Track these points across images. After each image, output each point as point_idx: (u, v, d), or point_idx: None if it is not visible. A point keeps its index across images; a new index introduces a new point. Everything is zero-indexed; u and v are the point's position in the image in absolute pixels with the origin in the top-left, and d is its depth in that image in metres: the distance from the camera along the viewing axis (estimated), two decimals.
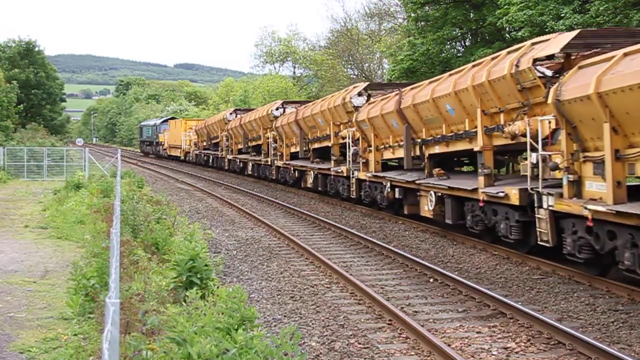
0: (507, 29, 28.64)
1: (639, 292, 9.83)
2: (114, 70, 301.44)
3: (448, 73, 16.57)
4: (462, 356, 7.53)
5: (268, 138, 31.63)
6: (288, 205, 22.87)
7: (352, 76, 57.93)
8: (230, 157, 39.36)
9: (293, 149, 28.52)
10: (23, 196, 24.97)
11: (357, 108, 21.41)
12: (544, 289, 10.73)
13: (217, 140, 42.60)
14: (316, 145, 26.15)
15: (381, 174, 19.16)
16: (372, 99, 21.18)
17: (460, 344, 8.09)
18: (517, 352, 7.76)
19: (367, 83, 24.00)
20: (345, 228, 17.06)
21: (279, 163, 30.17)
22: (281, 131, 29.51)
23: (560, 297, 10.17)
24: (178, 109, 78.86)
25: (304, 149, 27.12)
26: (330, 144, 24.07)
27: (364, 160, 20.58)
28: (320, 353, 7.84)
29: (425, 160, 17.14)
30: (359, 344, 8.15)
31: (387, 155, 19.72)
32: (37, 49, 59.68)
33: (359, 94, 21.96)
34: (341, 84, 56.24)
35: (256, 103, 59.48)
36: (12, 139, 40.53)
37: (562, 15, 22.46)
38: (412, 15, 33.87)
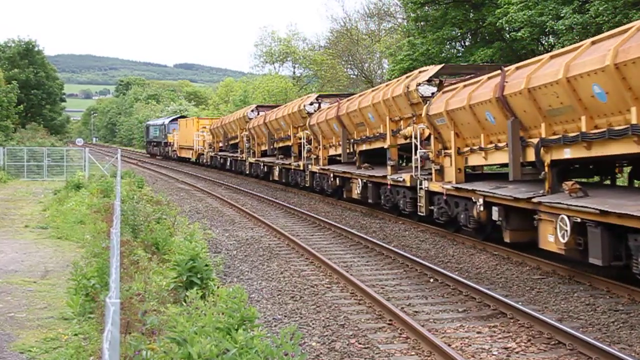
0: (507, 29, 28.63)
1: (639, 292, 9.83)
2: (113, 70, 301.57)
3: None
4: (463, 356, 7.52)
5: (300, 138, 26.97)
6: (288, 205, 22.87)
7: (352, 76, 57.94)
8: (252, 160, 34.66)
9: (332, 151, 24.40)
10: (23, 196, 24.97)
11: (425, 99, 16.67)
12: (544, 289, 10.73)
13: (236, 140, 38.51)
14: (364, 147, 21.63)
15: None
16: (445, 88, 16.44)
17: (461, 344, 8.09)
18: (517, 352, 7.76)
19: (440, 66, 18.04)
20: (345, 228, 17.06)
21: (314, 168, 25.42)
22: (317, 130, 24.97)
23: (561, 297, 10.17)
24: (178, 109, 78.77)
25: (348, 151, 22.91)
26: (385, 145, 19.54)
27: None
28: (321, 353, 7.84)
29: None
30: (360, 344, 8.15)
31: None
32: (36, 49, 59.72)
33: (429, 81, 16.97)
34: (341, 84, 56.29)
35: (256, 103, 59.41)
36: (12, 139, 40.56)
37: (562, 15, 22.46)
38: (412, 15, 33.86)
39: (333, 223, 18.02)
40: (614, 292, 10.26)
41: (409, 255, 13.14)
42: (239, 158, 37.53)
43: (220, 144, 42.89)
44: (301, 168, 26.77)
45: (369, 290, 10.23)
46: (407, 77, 18.75)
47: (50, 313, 8.72)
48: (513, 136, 12.72)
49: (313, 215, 19.91)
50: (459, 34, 33.03)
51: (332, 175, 22.81)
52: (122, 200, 13.91)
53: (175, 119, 59.76)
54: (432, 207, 16.38)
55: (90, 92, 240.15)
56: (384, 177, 18.89)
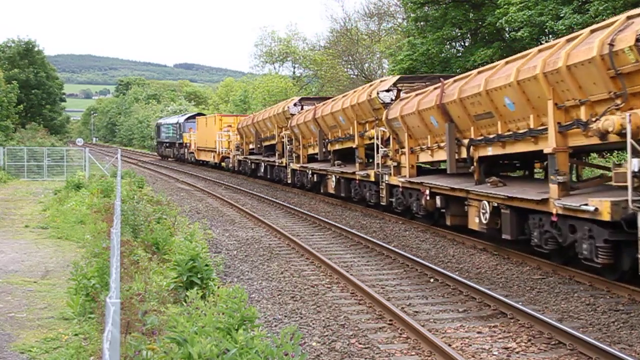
0: (507, 29, 28.63)
1: (639, 292, 9.86)
2: (113, 70, 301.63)
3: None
4: (463, 356, 7.53)
5: (371, 138, 20.39)
6: (288, 205, 22.87)
7: (352, 76, 57.93)
8: (295, 166, 27.69)
9: (425, 157, 17.65)
10: (23, 196, 24.97)
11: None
12: (545, 289, 10.72)
13: (272, 142, 31.83)
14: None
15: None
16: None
17: (461, 344, 8.09)
18: (517, 352, 7.76)
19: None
20: (346, 228, 17.06)
21: (396, 180, 18.39)
22: (399, 126, 18.24)
23: (561, 297, 10.17)
24: (178, 109, 78.72)
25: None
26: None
27: None
28: (321, 353, 7.84)
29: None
30: (360, 344, 8.15)
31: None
32: (36, 49, 59.68)
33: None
34: (341, 84, 56.26)
35: (256, 103, 59.38)
36: (12, 139, 40.54)
37: (562, 15, 22.47)
38: (412, 15, 33.86)
39: (333, 223, 18.02)
40: (614, 292, 10.26)
41: (409, 255, 13.14)
42: (277, 163, 30.46)
43: (251, 146, 36.18)
44: (371, 179, 20.07)
45: (369, 290, 10.23)
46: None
47: (51, 313, 8.72)
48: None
49: (313, 215, 19.91)
50: (459, 34, 33.03)
51: (427, 192, 16.75)
52: (122, 200, 13.91)
53: (192, 117, 53.49)
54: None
55: (90, 92, 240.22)
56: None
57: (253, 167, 35.49)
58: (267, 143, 33.15)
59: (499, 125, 13.33)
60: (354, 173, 21.23)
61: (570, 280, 11.22)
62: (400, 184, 18.04)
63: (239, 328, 5.99)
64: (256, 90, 62.50)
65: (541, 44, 28.89)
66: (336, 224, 17.79)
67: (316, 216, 19.58)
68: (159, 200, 20.46)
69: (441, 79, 16.24)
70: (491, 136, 13.79)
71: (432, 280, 11.56)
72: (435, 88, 16.15)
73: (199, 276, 9.46)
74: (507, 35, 29.20)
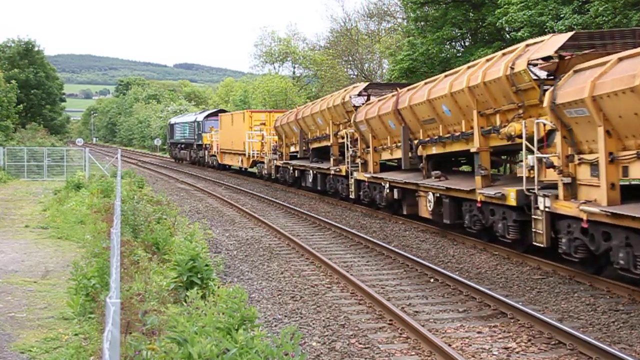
0: (507, 29, 28.63)
1: (639, 292, 9.87)
2: (113, 70, 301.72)
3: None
4: (463, 356, 7.52)
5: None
6: (288, 205, 22.86)
7: (352, 76, 57.91)
8: (363, 176, 20.47)
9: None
10: (23, 196, 24.97)
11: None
12: (545, 289, 10.72)
13: (324, 143, 24.93)
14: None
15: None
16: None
17: (461, 344, 8.08)
18: (517, 352, 7.76)
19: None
20: (346, 228, 17.06)
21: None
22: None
23: (561, 297, 10.16)
24: (178, 109, 78.72)
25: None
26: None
27: None
28: (321, 353, 7.84)
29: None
30: (360, 344, 8.15)
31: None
32: (36, 48, 59.72)
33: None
34: (341, 84, 56.25)
35: (256, 103, 59.25)
36: (12, 139, 40.54)
37: (562, 15, 22.46)
38: (412, 15, 33.86)
39: (333, 223, 18.02)
40: (614, 292, 10.27)
41: (409, 255, 13.14)
42: (333, 171, 23.24)
43: (293, 149, 29.08)
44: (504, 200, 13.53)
45: (369, 290, 10.23)
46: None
47: (51, 313, 8.72)
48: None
49: (313, 215, 19.91)
50: (459, 34, 33.03)
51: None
52: (122, 200, 13.90)
53: (214, 114, 47.13)
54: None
55: (90, 92, 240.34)
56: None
57: (296, 175, 27.97)
58: (316, 145, 26.11)
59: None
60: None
61: (570, 280, 11.21)
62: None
63: (239, 328, 5.99)
64: (256, 90, 62.46)
65: None
66: (336, 224, 17.79)
67: (316, 216, 19.58)
68: (159, 200, 20.46)
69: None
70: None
71: (432, 280, 11.56)
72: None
73: (199, 276, 9.46)
74: (507, 35, 29.21)
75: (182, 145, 54.27)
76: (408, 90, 17.93)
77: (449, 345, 7.88)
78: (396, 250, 13.81)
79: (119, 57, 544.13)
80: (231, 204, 23.69)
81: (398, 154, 18.57)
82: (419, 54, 31.44)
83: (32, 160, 35.36)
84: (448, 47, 33.89)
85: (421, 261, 12.56)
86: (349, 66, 59.14)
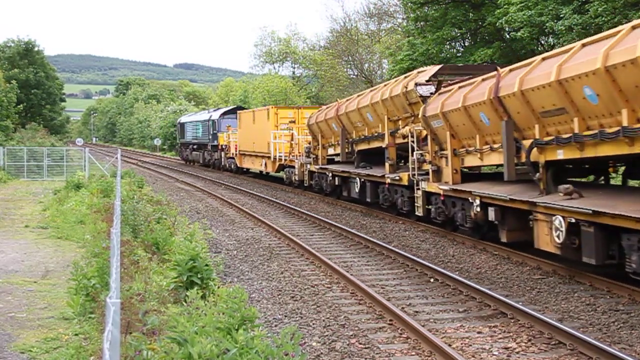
0: (507, 29, 28.62)
1: (639, 292, 9.84)
2: (113, 70, 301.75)
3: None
4: (463, 356, 7.52)
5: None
6: (288, 205, 22.86)
7: (351, 76, 57.93)
8: (438, 186, 15.74)
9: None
10: (23, 196, 24.97)
11: None
12: (545, 289, 10.73)
13: (376, 144, 20.40)
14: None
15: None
16: None
17: (461, 344, 8.08)
18: (517, 352, 7.76)
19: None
20: (346, 228, 17.06)
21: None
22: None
23: (561, 297, 10.17)
24: (178, 108, 78.72)
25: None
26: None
27: None
28: (321, 353, 7.84)
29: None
30: (360, 344, 8.15)
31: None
32: (36, 48, 59.71)
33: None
34: (341, 84, 56.26)
35: (256, 103, 59.18)
36: (12, 139, 40.54)
37: (562, 15, 22.46)
38: (412, 15, 33.85)
39: (333, 223, 18.02)
40: (614, 292, 10.27)
41: (409, 255, 13.14)
42: (389, 180, 18.60)
43: (331, 151, 24.78)
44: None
45: (369, 290, 10.23)
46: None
47: (51, 313, 8.72)
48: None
49: (313, 215, 19.90)
50: (458, 34, 33.02)
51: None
52: (122, 200, 13.90)
53: (231, 111, 43.16)
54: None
55: (90, 92, 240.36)
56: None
57: (336, 182, 23.37)
58: (364, 147, 21.68)
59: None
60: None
61: (570, 280, 11.22)
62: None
63: (239, 328, 5.99)
64: (256, 90, 62.45)
65: (541, 44, 29.02)
66: (336, 224, 17.79)
67: (316, 216, 19.57)
68: (159, 200, 20.46)
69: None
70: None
71: (432, 280, 11.55)
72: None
73: (199, 276, 9.46)
74: (507, 36, 29.20)
75: (194, 146, 50.09)
76: (513, 70, 12.73)
77: (449, 345, 7.88)
78: (396, 250, 13.81)
79: (119, 57, 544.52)
80: (231, 203, 23.69)
81: (494, 159, 13.73)
82: (418, 54, 31.43)
83: (32, 160, 35.36)
84: (448, 47, 33.89)
85: (421, 261, 12.56)
86: (349, 66, 59.15)
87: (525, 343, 8.06)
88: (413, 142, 17.18)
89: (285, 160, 29.55)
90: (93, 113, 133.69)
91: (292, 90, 59.53)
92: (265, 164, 32.41)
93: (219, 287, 9.48)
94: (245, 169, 37.99)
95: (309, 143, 26.98)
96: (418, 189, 16.82)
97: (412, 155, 17.00)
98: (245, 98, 63.58)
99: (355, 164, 22.19)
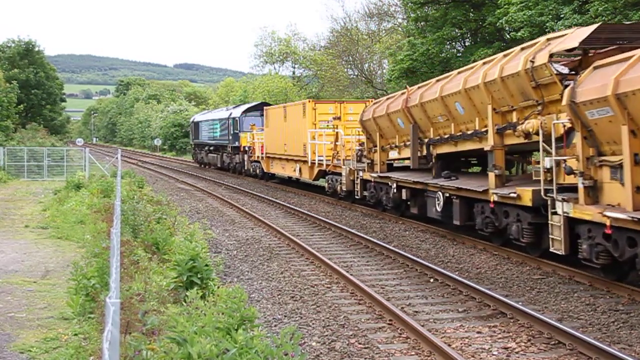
0: (507, 29, 28.61)
1: (639, 292, 9.83)
2: (114, 70, 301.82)
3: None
4: (463, 356, 7.53)
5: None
6: (288, 205, 22.85)
7: (352, 76, 57.91)
8: (594, 212, 10.15)
9: None
10: (23, 196, 24.97)
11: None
12: (545, 289, 10.73)
13: (470, 145, 15.14)
14: None
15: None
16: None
17: (461, 344, 8.09)
18: (517, 352, 7.76)
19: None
20: (346, 228, 17.06)
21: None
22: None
23: (561, 297, 10.17)
24: (178, 109, 78.71)
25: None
26: None
27: None
28: (321, 353, 7.84)
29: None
30: (360, 344, 8.15)
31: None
32: (36, 49, 59.75)
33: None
34: (341, 84, 56.24)
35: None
36: (12, 139, 40.55)
37: (562, 15, 22.45)
38: (412, 15, 33.86)
39: (333, 223, 18.02)
40: (614, 292, 10.26)
41: (409, 255, 13.14)
42: (498, 197, 13.29)
43: (394, 154, 19.52)
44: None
45: (369, 290, 10.23)
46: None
47: (50, 313, 8.72)
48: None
49: (313, 215, 19.90)
50: (459, 34, 33.03)
51: None
52: (122, 200, 13.91)
53: (257, 107, 38.00)
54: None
55: (90, 92, 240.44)
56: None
57: (404, 196, 18.02)
58: (447, 150, 16.35)
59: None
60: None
61: (570, 280, 11.22)
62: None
63: (239, 328, 5.99)
64: (256, 90, 62.43)
65: None
66: (336, 224, 17.78)
67: (316, 216, 19.57)
68: (159, 200, 20.46)
69: None
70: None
71: (432, 280, 11.56)
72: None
73: (199, 276, 9.47)
74: (507, 35, 29.19)
75: (211, 148, 45.02)
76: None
77: (449, 345, 7.89)
78: (396, 250, 13.81)
79: (119, 57, 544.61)
80: (231, 203, 23.69)
81: None
82: (419, 54, 31.42)
83: (32, 160, 35.36)
84: (448, 47, 33.89)
85: (421, 261, 12.56)
86: (349, 66, 59.13)
87: (525, 343, 8.06)
88: (548, 141, 11.66)
89: (328, 165, 24.03)
90: (93, 113, 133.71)
91: (292, 90, 59.51)
92: (300, 170, 27.49)
93: (218, 287, 9.47)
94: (272, 174, 33.33)
95: (361, 144, 21.68)
96: (555, 213, 11.36)
97: (544, 161, 11.70)
98: (245, 98, 63.54)
99: (433, 173, 16.68)
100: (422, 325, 8.61)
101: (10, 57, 56.91)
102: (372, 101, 23.78)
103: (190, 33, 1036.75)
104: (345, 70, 59.19)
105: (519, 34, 24.96)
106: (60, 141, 52.38)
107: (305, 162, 26.42)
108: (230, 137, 39.18)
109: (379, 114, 19.60)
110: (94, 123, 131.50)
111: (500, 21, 25.71)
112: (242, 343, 5.47)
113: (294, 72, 67.95)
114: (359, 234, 16.06)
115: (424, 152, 17.25)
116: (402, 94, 18.49)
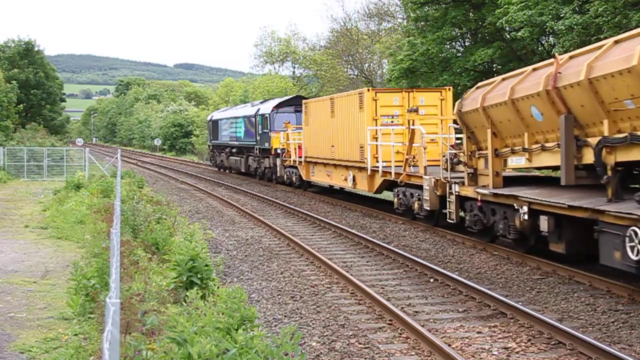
0: (507, 29, 28.61)
1: (639, 292, 9.83)
2: (113, 70, 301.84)
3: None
4: (463, 356, 7.53)
5: None
6: (288, 205, 22.84)
7: (352, 76, 57.91)
8: None
9: None
10: (23, 196, 24.97)
11: None
12: (545, 289, 10.72)
13: None
14: None
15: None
16: None
17: (461, 344, 8.08)
18: (517, 352, 7.76)
19: None
20: (346, 228, 17.05)
21: None
22: None
23: (561, 297, 10.17)
24: (178, 109, 78.70)
25: None
26: None
27: None
28: (321, 353, 7.84)
29: None
30: (360, 344, 8.15)
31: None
32: (36, 48, 59.75)
33: None
34: (341, 84, 56.23)
35: None
36: (12, 139, 40.55)
37: (562, 15, 22.45)
38: (412, 15, 33.85)
39: (333, 223, 18.01)
40: (614, 292, 10.26)
41: (409, 255, 13.13)
42: None
43: (519, 161, 13.06)
44: None
45: (369, 290, 10.23)
46: None
47: (50, 313, 8.72)
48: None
49: (313, 215, 19.89)
50: (459, 34, 33.02)
51: None
52: (122, 201, 13.91)
53: (291, 101, 32.00)
54: None
55: (90, 92, 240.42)
56: None
57: (544, 228, 11.59)
58: (637, 156, 9.81)
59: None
60: None
61: (570, 280, 11.21)
62: None
63: (239, 328, 5.99)
64: (256, 90, 62.40)
65: (541, 44, 29.03)
66: (336, 224, 17.78)
67: (316, 216, 19.57)
68: (159, 200, 20.46)
69: None
70: None
71: (432, 280, 11.55)
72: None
73: (199, 276, 9.46)
74: (507, 35, 29.19)
75: (233, 150, 38.65)
76: None
77: (449, 345, 7.89)
78: (396, 250, 13.81)
79: (119, 57, 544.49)
80: (231, 204, 23.68)
81: None
82: (419, 54, 31.41)
83: (32, 160, 35.35)
84: (448, 47, 33.87)
85: (421, 261, 12.56)
86: (349, 66, 59.13)
87: (525, 343, 8.06)
88: None
89: (399, 174, 18.27)
90: (93, 113, 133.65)
91: (292, 90, 59.50)
92: (354, 179, 21.84)
93: (218, 287, 9.47)
94: (312, 183, 27.60)
95: (455, 147, 15.98)
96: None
97: None
98: (245, 98, 63.52)
99: (609, 194, 10.29)
100: (422, 325, 8.60)
101: (10, 57, 56.91)
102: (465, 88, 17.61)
103: (190, 33, 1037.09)
104: (345, 70, 59.19)
105: (519, 33, 24.97)
106: (60, 141, 52.31)
107: (362, 169, 20.81)
108: (258, 138, 33.02)
109: (493, 102, 13.10)
110: (94, 123, 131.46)
111: (500, 21, 25.71)
112: (242, 343, 5.47)
113: (294, 72, 67.98)
114: (359, 234, 16.06)
115: (584, 160, 10.99)
116: (539, 68, 12.16)
